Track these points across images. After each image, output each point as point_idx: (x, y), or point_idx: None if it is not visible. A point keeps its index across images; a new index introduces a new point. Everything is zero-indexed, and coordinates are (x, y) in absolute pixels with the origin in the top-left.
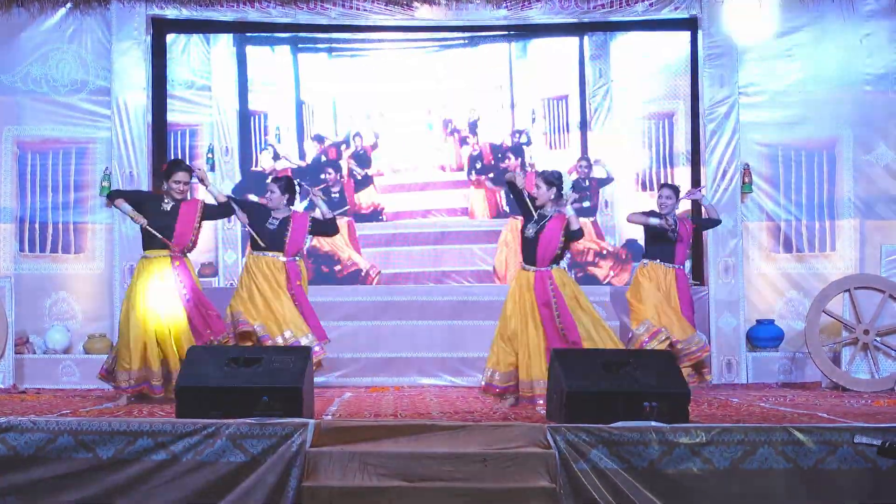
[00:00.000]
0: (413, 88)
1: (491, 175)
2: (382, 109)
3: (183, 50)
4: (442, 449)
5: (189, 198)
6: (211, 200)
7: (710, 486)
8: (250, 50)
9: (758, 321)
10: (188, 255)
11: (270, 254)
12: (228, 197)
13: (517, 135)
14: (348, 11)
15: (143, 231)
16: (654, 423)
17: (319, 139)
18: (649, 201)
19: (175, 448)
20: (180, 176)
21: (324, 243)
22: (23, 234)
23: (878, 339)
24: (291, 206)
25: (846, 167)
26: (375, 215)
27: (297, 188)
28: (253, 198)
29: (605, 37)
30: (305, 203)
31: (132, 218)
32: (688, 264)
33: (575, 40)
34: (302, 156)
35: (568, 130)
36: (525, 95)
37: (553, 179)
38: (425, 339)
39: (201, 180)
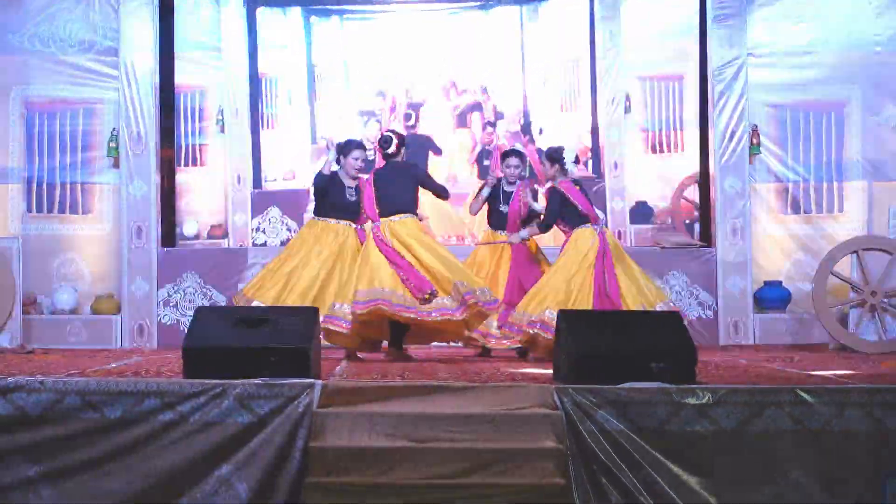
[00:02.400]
0: (425, 52)
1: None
2: (395, 73)
3: (192, 11)
4: (449, 410)
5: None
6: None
7: (717, 446)
8: (261, 12)
9: (765, 283)
10: None
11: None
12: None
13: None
14: None
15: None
16: (661, 384)
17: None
18: (658, 163)
19: (182, 408)
20: (357, 153)
21: None
22: (30, 195)
23: (885, 300)
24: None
25: (855, 128)
26: None
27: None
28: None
29: None
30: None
31: None
32: (696, 227)
33: (585, 2)
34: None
35: (579, 93)
36: (536, 59)
37: (556, 155)
38: None
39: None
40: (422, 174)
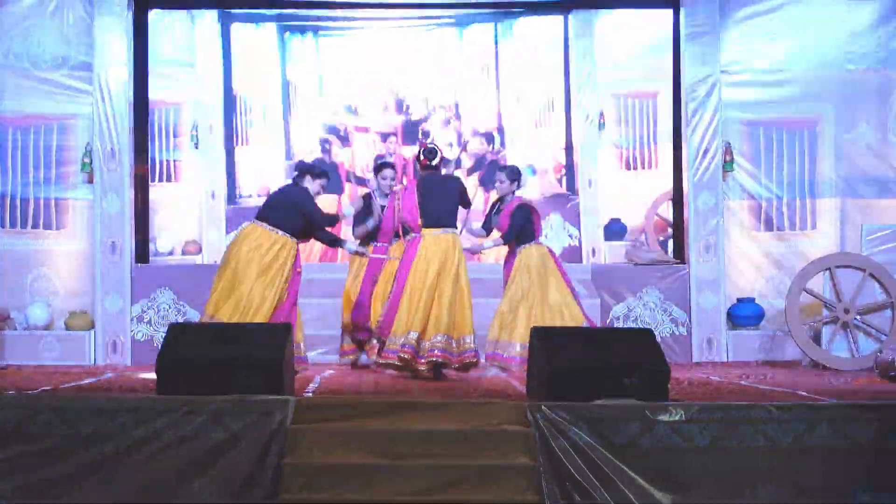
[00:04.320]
0: (399, 69)
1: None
2: (369, 89)
3: (166, 27)
4: (423, 426)
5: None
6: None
7: (690, 463)
8: (235, 28)
9: (738, 299)
10: None
11: None
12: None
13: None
14: None
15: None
16: (634, 401)
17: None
18: (632, 180)
19: (156, 424)
20: (388, 173)
21: None
22: (3, 210)
23: (858, 317)
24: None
25: (828, 146)
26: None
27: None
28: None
29: (588, 15)
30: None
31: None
32: (669, 244)
33: (559, 19)
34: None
35: (553, 110)
36: (510, 75)
37: (515, 176)
38: None
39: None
40: (463, 187)
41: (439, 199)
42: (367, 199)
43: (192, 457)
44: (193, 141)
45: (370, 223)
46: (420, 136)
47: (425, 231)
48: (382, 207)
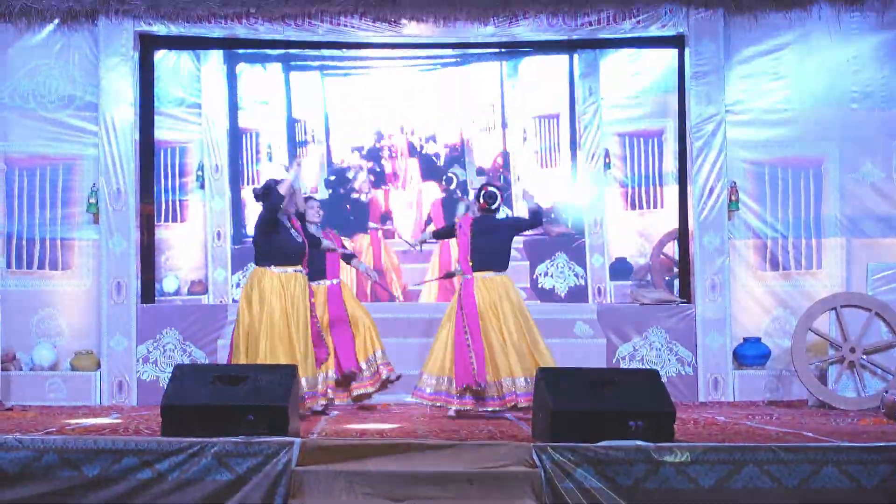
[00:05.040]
0: (405, 108)
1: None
2: (375, 128)
3: (172, 67)
4: (428, 468)
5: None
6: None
7: None
8: (241, 68)
9: (744, 339)
10: None
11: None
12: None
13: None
14: (336, 28)
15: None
16: (639, 442)
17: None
18: (637, 219)
19: (160, 466)
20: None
21: None
22: (10, 251)
23: (864, 357)
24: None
25: (833, 185)
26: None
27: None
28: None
29: (594, 55)
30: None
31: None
32: (675, 283)
33: (565, 59)
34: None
35: (559, 149)
36: (516, 114)
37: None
38: (413, 357)
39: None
40: (517, 221)
41: (493, 242)
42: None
43: (197, 499)
44: (199, 181)
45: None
46: (484, 179)
47: (476, 274)
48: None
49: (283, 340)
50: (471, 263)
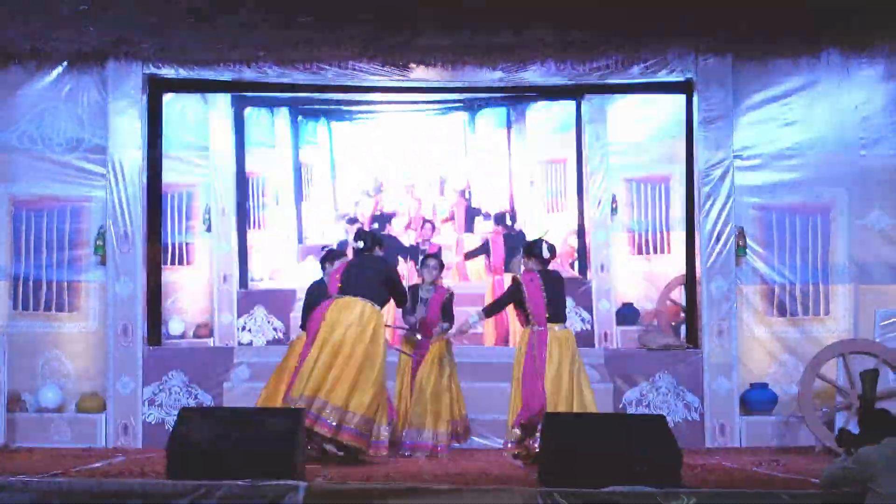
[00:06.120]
0: (412, 153)
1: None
2: (381, 174)
3: (180, 110)
4: None
5: None
6: None
7: None
8: (249, 112)
9: (751, 385)
10: None
11: None
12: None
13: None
14: (344, 72)
15: None
16: (645, 488)
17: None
18: (644, 265)
19: None
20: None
21: None
22: (16, 292)
23: None
24: None
25: (841, 231)
26: None
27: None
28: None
29: (602, 100)
30: None
31: None
32: (682, 328)
33: (572, 104)
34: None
35: (565, 194)
36: (523, 160)
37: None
38: None
39: None
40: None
41: (559, 293)
42: (414, 290)
43: None
44: (206, 224)
45: (418, 315)
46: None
47: (550, 325)
48: (425, 300)
49: None
50: (547, 316)
